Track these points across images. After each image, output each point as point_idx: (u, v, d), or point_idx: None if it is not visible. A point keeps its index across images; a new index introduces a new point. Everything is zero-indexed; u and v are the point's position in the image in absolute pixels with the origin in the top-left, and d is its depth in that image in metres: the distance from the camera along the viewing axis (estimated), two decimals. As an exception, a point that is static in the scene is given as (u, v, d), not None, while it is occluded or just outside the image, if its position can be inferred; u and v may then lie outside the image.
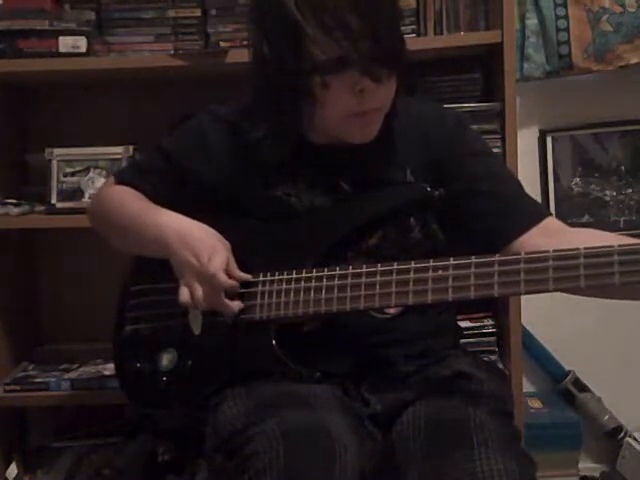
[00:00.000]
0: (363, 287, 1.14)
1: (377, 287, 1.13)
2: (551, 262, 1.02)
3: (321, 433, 1.07)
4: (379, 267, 1.14)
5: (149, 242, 1.29)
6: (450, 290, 1.08)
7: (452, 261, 1.08)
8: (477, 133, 1.42)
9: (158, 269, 1.29)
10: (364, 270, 1.15)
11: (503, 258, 1.06)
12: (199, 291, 1.20)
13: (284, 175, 1.30)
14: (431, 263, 1.10)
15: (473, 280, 1.06)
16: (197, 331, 1.27)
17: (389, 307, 1.23)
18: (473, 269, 1.07)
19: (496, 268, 1.05)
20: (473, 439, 1.07)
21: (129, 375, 1.40)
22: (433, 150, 1.29)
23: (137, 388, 1.38)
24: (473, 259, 1.07)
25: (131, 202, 1.37)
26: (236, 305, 1.21)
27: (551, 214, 1.27)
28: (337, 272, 1.17)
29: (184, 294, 1.21)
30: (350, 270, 1.16)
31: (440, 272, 1.09)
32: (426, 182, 1.26)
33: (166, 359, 1.33)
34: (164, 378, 1.32)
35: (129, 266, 1.46)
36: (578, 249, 1.01)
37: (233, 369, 1.26)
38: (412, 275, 1.10)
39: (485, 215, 1.25)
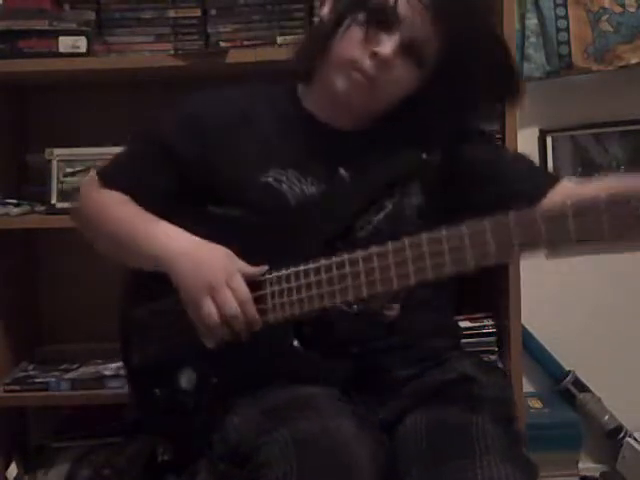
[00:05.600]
0: (363, 275, 1.11)
1: (377, 272, 1.10)
2: (540, 221, 1.00)
3: (335, 442, 1.05)
4: (374, 250, 1.10)
5: (146, 260, 1.25)
6: (448, 262, 1.05)
7: (444, 232, 1.05)
8: None
9: (155, 286, 1.25)
10: (359, 255, 1.11)
11: (494, 222, 1.03)
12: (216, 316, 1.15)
13: (279, 155, 1.29)
14: (424, 237, 1.07)
15: (469, 250, 1.03)
16: (211, 345, 1.22)
17: (391, 289, 1.19)
18: (467, 241, 1.03)
19: (489, 236, 1.02)
20: (475, 446, 1.07)
21: (151, 406, 1.33)
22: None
23: (163, 418, 1.32)
24: (464, 229, 1.04)
25: (123, 214, 1.31)
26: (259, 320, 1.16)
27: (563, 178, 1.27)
28: (334, 260, 1.13)
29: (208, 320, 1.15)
30: (346, 256, 1.12)
31: (435, 246, 1.06)
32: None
33: (185, 380, 1.26)
34: (187, 399, 1.26)
35: (123, 291, 1.39)
36: (565, 203, 0.98)
37: (252, 376, 1.22)
38: (408, 253, 1.07)
39: (502, 181, 1.26)
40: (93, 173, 1.42)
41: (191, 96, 1.38)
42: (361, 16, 1.21)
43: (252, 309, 1.15)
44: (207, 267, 1.16)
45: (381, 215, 1.26)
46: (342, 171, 1.28)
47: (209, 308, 1.14)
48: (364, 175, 1.26)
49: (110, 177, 1.38)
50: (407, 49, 1.21)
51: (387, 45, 1.20)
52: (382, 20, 1.20)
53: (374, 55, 1.20)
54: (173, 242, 1.22)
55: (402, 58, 1.21)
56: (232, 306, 1.14)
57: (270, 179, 1.28)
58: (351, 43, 1.22)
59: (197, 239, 1.22)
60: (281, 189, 1.27)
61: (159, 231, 1.25)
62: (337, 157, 1.28)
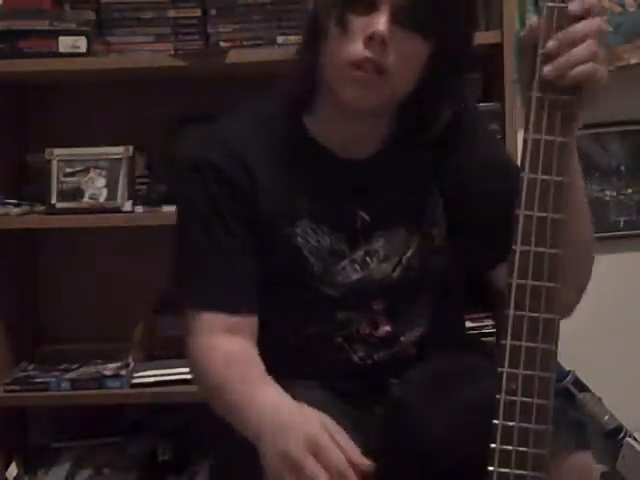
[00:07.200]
0: None
1: None
2: None
3: None
4: None
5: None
6: None
7: None
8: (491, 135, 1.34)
9: None
10: None
11: None
12: None
13: (290, 205, 1.17)
14: None
15: None
16: None
17: None
18: None
19: None
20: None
21: None
22: (453, 157, 1.21)
23: None
24: None
25: (222, 385, 1.13)
26: None
27: None
28: None
29: None
30: None
31: None
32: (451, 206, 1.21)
33: None
34: None
35: None
36: None
37: None
38: None
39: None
40: (188, 317, 1.19)
41: (192, 146, 1.26)
42: (336, 11, 1.09)
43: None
44: (286, 435, 0.98)
45: (409, 252, 1.20)
46: (362, 214, 1.19)
47: None
48: (385, 214, 1.18)
49: (197, 302, 1.18)
50: (401, 18, 1.07)
51: (378, 22, 1.06)
52: (356, 2, 1.08)
53: (369, 40, 1.07)
54: (262, 421, 1.03)
55: (400, 30, 1.07)
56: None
57: (285, 232, 1.17)
58: (339, 44, 1.09)
59: (287, 404, 1.04)
60: (296, 243, 1.17)
61: (252, 413, 1.06)
62: (354, 199, 1.18)
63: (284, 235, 1.17)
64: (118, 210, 1.89)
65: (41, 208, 1.93)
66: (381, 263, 1.19)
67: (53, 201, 1.90)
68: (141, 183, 1.96)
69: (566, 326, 2.34)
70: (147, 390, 1.87)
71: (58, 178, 1.91)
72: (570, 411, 1.11)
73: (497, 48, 1.75)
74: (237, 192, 1.16)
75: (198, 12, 1.89)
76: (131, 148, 1.92)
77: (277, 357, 1.14)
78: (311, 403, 1.02)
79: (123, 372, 1.91)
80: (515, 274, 0.96)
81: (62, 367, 1.97)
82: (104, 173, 1.91)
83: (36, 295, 2.17)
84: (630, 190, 2.18)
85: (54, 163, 1.91)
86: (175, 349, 1.79)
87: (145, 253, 1.96)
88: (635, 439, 2.13)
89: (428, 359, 1.21)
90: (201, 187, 1.17)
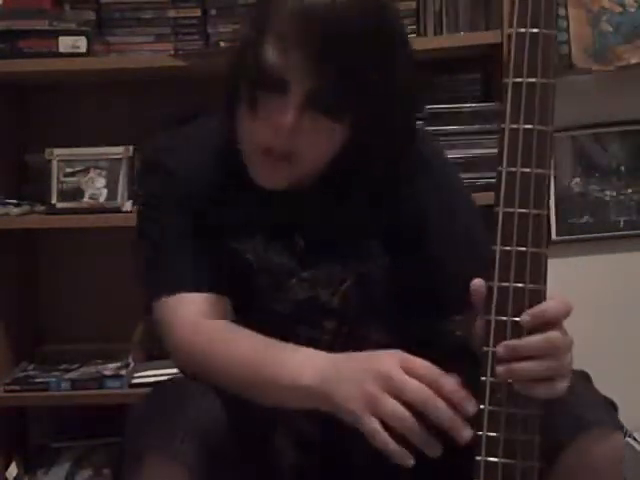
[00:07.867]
0: None
1: None
2: None
3: None
4: None
5: (289, 397, 1.02)
6: None
7: None
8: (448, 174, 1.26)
9: None
10: None
11: None
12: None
13: (243, 218, 1.16)
14: None
15: None
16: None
17: None
18: None
19: None
20: None
21: None
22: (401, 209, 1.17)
23: None
24: None
25: (237, 353, 1.07)
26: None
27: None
28: None
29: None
30: None
31: None
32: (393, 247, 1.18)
33: None
34: None
35: None
36: None
37: None
38: None
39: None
40: (160, 302, 1.20)
41: (155, 148, 1.26)
42: (245, 89, 1.05)
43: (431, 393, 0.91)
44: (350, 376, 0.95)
45: (347, 283, 1.18)
46: (297, 237, 1.17)
47: (370, 424, 0.91)
48: (320, 247, 1.16)
49: (171, 289, 1.17)
50: (311, 102, 1.02)
51: (286, 111, 1.01)
52: (265, 84, 1.03)
53: (276, 129, 1.02)
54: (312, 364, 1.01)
55: (311, 115, 1.03)
56: (395, 408, 0.90)
57: (235, 247, 1.16)
58: (249, 122, 1.06)
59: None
60: (246, 258, 1.16)
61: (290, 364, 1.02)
62: (292, 221, 1.16)
63: (234, 250, 1.16)
64: (118, 210, 1.89)
65: (41, 208, 1.93)
66: (323, 289, 1.18)
67: (53, 201, 1.90)
68: (141, 183, 1.97)
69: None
70: (147, 390, 1.86)
71: (58, 178, 1.91)
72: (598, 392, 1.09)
73: (497, 48, 1.75)
74: (193, 197, 1.15)
75: (198, 12, 1.89)
76: (131, 148, 1.92)
77: None
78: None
79: (123, 372, 1.91)
80: (496, 277, 0.93)
81: (62, 367, 1.98)
82: (104, 173, 1.91)
83: (36, 295, 2.17)
84: (630, 190, 2.18)
85: (54, 163, 1.92)
86: (175, 349, 1.79)
87: (145, 253, 1.96)
88: (635, 439, 2.13)
89: None
90: (161, 188, 1.19)
